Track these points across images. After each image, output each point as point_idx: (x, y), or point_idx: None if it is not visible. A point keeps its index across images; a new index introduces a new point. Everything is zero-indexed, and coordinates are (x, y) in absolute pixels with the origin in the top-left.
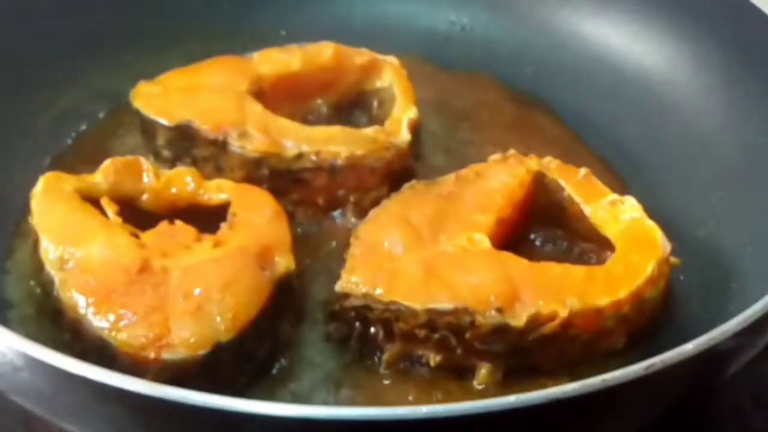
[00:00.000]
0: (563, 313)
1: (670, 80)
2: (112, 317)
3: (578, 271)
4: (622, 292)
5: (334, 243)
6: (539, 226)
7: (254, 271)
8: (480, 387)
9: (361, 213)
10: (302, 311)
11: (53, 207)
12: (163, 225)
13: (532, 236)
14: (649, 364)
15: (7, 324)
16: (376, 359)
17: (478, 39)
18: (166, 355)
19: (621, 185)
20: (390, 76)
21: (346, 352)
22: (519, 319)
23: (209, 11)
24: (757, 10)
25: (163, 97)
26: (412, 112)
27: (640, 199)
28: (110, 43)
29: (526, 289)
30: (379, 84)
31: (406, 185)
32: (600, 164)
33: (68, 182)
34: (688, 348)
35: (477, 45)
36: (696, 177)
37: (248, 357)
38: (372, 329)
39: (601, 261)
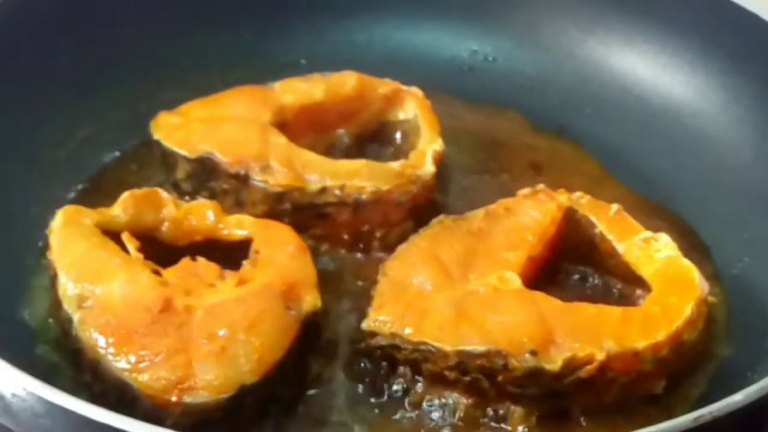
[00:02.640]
0: (600, 356)
1: (700, 113)
2: (133, 358)
3: (614, 312)
4: (661, 335)
5: (359, 280)
6: (569, 263)
7: (280, 310)
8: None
9: (387, 248)
10: (327, 350)
11: (72, 242)
12: (186, 261)
13: (562, 274)
14: (698, 415)
15: (26, 365)
16: (403, 400)
17: (502, 70)
18: (188, 399)
19: (652, 222)
20: (414, 107)
21: (373, 391)
22: (554, 362)
23: (229, 40)
24: None
25: (184, 129)
26: (437, 145)
27: (672, 236)
28: (129, 73)
29: (561, 331)
30: (402, 115)
31: (435, 220)
32: (631, 199)
33: (87, 216)
34: (738, 399)
35: (500, 76)
36: (729, 212)
37: (273, 399)
38: (399, 369)
39: (633, 300)
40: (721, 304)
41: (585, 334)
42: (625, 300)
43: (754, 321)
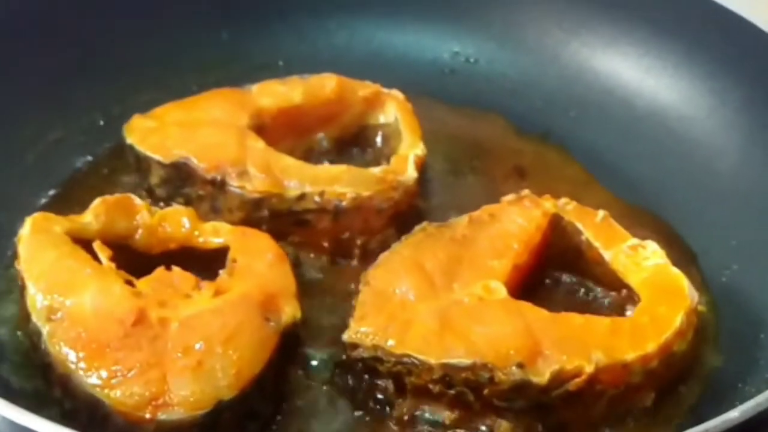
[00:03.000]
0: (589, 369)
1: (686, 116)
2: (104, 373)
3: (602, 323)
4: (650, 346)
5: (339, 289)
6: (554, 271)
7: (258, 321)
8: None
9: (367, 256)
10: (307, 362)
11: (42, 251)
12: (160, 271)
13: (547, 282)
14: (703, 429)
15: None
16: (386, 414)
17: (484, 72)
18: (162, 416)
19: (638, 228)
20: (394, 110)
21: (354, 405)
22: (542, 375)
23: (206, 41)
24: None
25: (159, 133)
26: (419, 149)
27: (659, 243)
28: (101, 73)
29: (548, 342)
30: (382, 118)
31: (418, 228)
32: (616, 205)
33: (58, 223)
34: (734, 415)
35: (483, 78)
36: (716, 218)
37: (251, 415)
38: (381, 382)
39: (620, 307)
40: (710, 312)
41: (573, 346)
42: (613, 309)
43: (743, 330)
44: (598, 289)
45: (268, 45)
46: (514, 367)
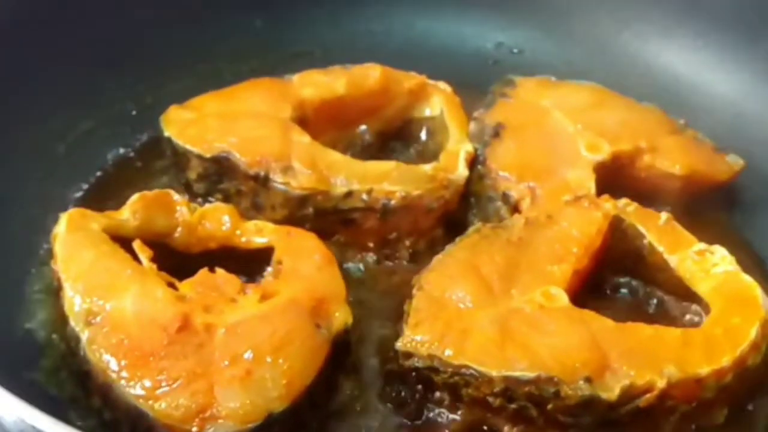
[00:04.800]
0: (661, 384)
1: (745, 114)
2: (148, 383)
3: (673, 334)
4: (725, 359)
5: (387, 292)
6: (614, 275)
7: (309, 328)
8: None
9: (415, 258)
10: (357, 371)
11: (79, 251)
12: (203, 273)
13: (606, 287)
14: None
15: (27, 385)
16: (440, 427)
17: (529, 63)
18: (210, 429)
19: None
20: (441, 103)
21: (406, 417)
22: (611, 390)
23: (239, 27)
24: None
25: (198, 125)
26: (468, 145)
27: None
28: (132, 61)
29: (616, 354)
30: (428, 111)
31: (472, 228)
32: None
33: (95, 220)
34: None
35: (527, 70)
36: None
37: (302, 427)
38: (436, 394)
39: (686, 316)
40: None
41: (643, 359)
42: (678, 317)
43: None
44: (661, 297)
45: (303, 33)
46: (581, 382)
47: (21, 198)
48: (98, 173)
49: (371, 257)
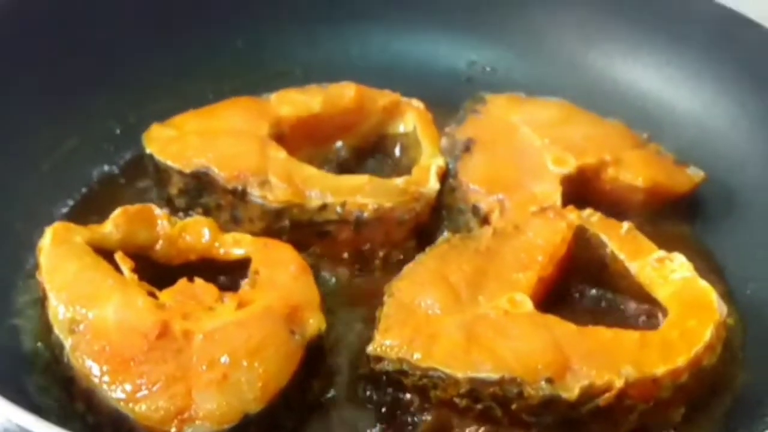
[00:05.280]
0: (619, 383)
1: (707, 128)
2: (129, 387)
3: (631, 336)
4: (681, 360)
5: (360, 301)
6: (578, 283)
7: (284, 334)
8: None
9: (388, 269)
10: (330, 375)
11: (63, 262)
12: (183, 283)
13: (572, 294)
14: None
15: (14, 392)
16: (410, 428)
17: (501, 81)
18: (188, 430)
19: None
20: (414, 120)
21: (378, 419)
22: (571, 390)
23: (221, 49)
24: None
25: (179, 142)
26: (440, 160)
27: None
28: (116, 82)
29: (577, 356)
30: (402, 128)
31: (441, 239)
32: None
33: (78, 233)
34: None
35: (500, 87)
36: (741, 230)
37: (277, 428)
38: (406, 396)
39: (646, 321)
40: (737, 326)
41: (602, 360)
42: (638, 322)
43: None
44: (623, 302)
45: (283, 53)
46: (543, 382)
47: (7, 214)
48: (83, 190)
49: (346, 268)
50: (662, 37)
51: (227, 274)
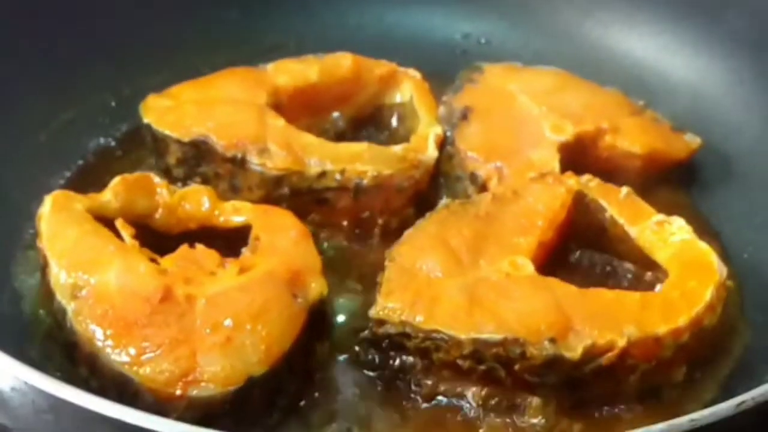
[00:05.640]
0: (621, 343)
1: (702, 95)
2: (133, 351)
3: (632, 297)
4: (682, 320)
5: (360, 267)
6: (578, 247)
7: (286, 298)
8: (531, 423)
9: (388, 236)
10: (333, 339)
11: (64, 228)
12: (184, 249)
13: (572, 258)
14: (740, 401)
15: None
16: (413, 391)
17: (496, 52)
18: (194, 392)
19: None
20: (411, 89)
21: (380, 382)
22: (574, 350)
23: (216, 21)
24: None
25: (176, 111)
26: (438, 128)
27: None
28: (111, 54)
29: (579, 317)
30: (399, 98)
31: (441, 204)
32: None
33: (78, 201)
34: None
35: (494, 59)
36: (736, 197)
37: (280, 391)
38: (409, 359)
39: (646, 283)
40: (735, 289)
41: (604, 321)
42: (639, 284)
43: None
44: (623, 266)
45: (278, 25)
46: (546, 342)
47: (5, 185)
48: (80, 161)
49: (345, 235)
50: (658, 5)
51: (228, 242)
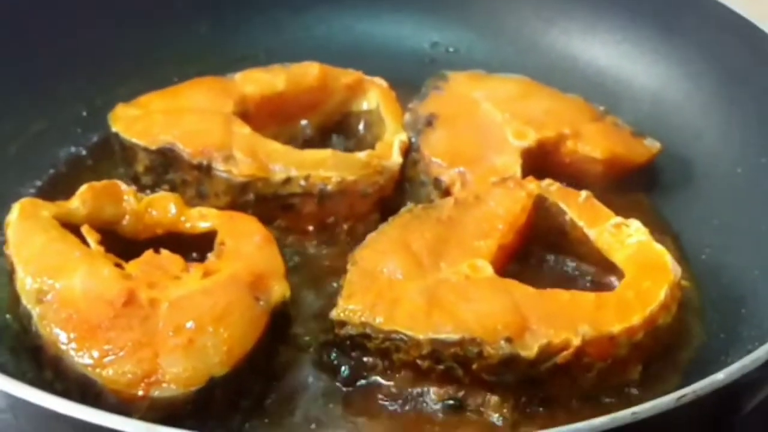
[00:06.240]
0: (576, 342)
1: (663, 101)
2: (96, 353)
3: (587, 297)
4: (636, 318)
5: (325, 271)
6: (539, 250)
7: (248, 301)
8: (490, 421)
9: (353, 241)
10: (296, 341)
11: (30, 235)
12: (149, 254)
13: (533, 261)
14: (681, 394)
15: None
16: (375, 391)
17: (464, 61)
18: (156, 392)
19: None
20: (377, 97)
21: (342, 383)
22: (530, 349)
23: (186, 33)
24: (752, 26)
25: (144, 120)
26: (403, 135)
27: (641, 222)
28: (83, 66)
29: (535, 317)
30: (365, 105)
31: (404, 209)
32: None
33: (45, 209)
34: (720, 378)
35: (462, 67)
36: (696, 199)
37: (243, 392)
38: (369, 359)
39: (605, 285)
40: (692, 289)
41: (560, 320)
42: (598, 286)
43: (725, 305)
44: (583, 267)
45: (247, 37)
46: (502, 342)
47: None
48: (51, 171)
49: (310, 241)
50: (619, 15)
51: (194, 248)
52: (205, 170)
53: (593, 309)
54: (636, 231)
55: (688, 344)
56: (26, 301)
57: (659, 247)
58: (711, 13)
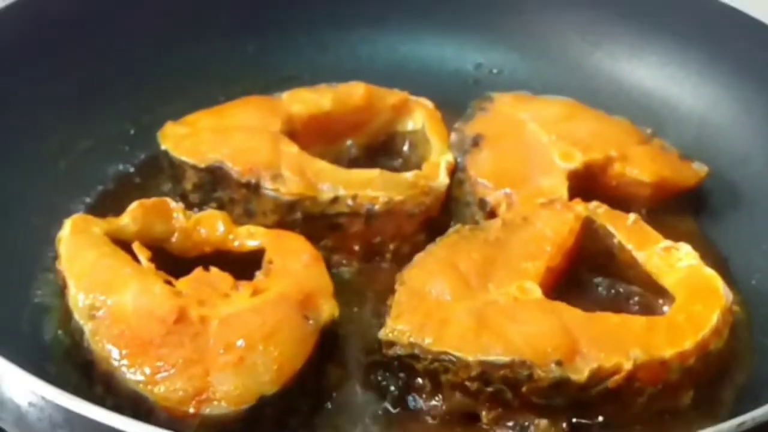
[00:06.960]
0: (627, 366)
1: (710, 124)
2: (148, 370)
3: (638, 321)
4: (687, 343)
5: (372, 291)
6: (586, 272)
7: (298, 319)
8: None
9: (399, 262)
10: (345, 360)
11: (82, 251)
12: (198, 272)
13: (581, 283)
14: (740, 421)
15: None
16: (422, 412)
17: (507, 82)
18: (207, 410)
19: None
20: (422, 118)
21: (390, 403)
22: (581, 372)
23: (232, 53)
24: None
25: (193, 138)
26: (449, 156)
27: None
28: (130, 85)
29: (585, 340)
30: (411, 126)
31: (452, 230)
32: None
33: (96, 225)
34: None
35: (506, 89)
36: (744, 223)
37: (292, 411)
38: (418, 380)
39: (653, 309)
40: (743, 314)
41: (610, 344)
42: (647, 310)
43: None
44: (631, 291)
45: (292, 57)
46: (553, 365)
47: (26, 210)
48: (99, 187)
49: (357, 260)
50: (665, 37)
51: (242, 266)
52: (253, 189)
53: (644, 333)
54: (686, 255)
55: (739, 370)
56: (78, 317)
57: (710, 272)
58: (758, 36)
